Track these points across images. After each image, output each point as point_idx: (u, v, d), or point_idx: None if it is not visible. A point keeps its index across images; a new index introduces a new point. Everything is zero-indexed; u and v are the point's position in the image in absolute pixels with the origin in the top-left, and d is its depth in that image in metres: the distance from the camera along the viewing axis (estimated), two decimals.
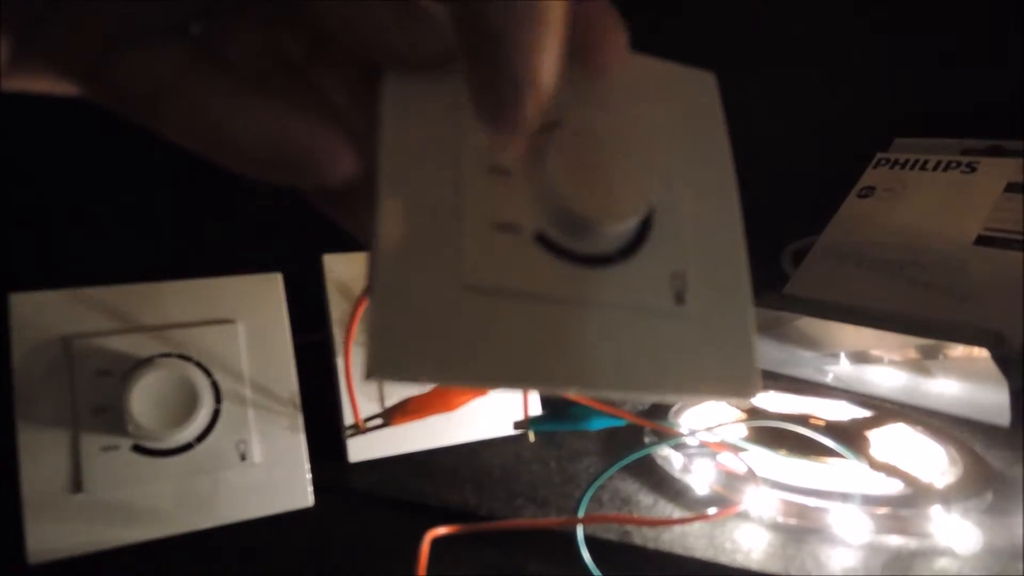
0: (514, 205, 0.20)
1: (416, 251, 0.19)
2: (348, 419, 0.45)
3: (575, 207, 0.20)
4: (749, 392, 0.21)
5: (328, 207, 0.22)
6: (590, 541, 0.37)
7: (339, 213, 0.22)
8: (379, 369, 0.17)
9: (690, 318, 0.21)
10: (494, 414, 0.49)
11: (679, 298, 0.21)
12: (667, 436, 0.46)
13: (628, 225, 0.21)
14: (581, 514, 0.38)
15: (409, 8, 0.20)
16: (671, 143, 0.23)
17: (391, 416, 0.44)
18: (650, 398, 0.20)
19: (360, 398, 0.45)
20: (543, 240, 0.20)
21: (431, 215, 0.19)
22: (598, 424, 0.45)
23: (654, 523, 0.39)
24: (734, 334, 0.22)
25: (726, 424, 0.45)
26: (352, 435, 0.44)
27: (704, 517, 0.39)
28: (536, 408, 0.49)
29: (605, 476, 0.43)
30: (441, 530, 0.37)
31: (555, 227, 0.20)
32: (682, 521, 0.40)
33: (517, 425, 0.44)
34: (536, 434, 0.48)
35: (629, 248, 0.21)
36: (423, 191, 0.19)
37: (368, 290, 0.18)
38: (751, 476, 0.41)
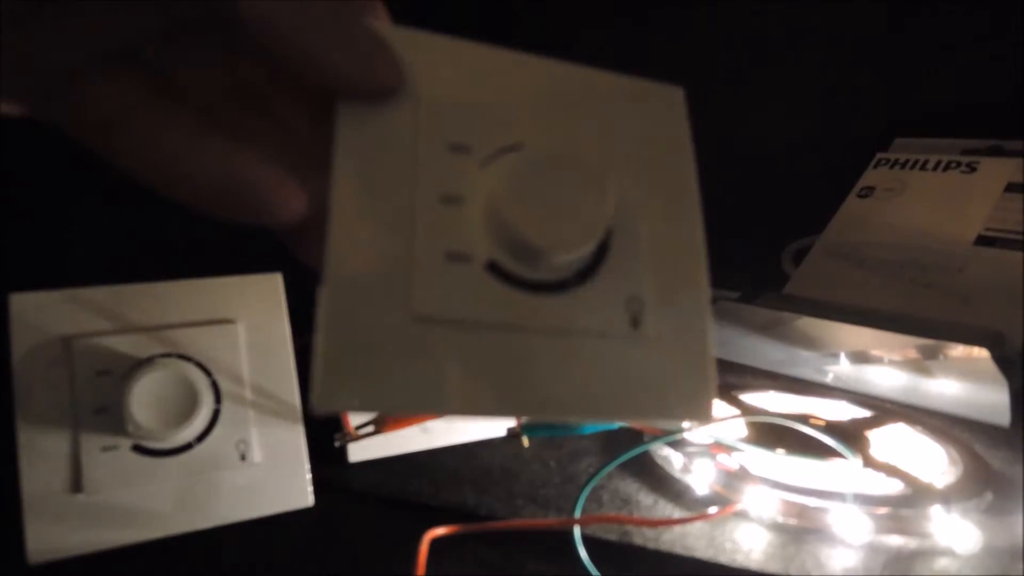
0: (466, 234, 0.20)
1: (365, 283, 0.19)
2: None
3: (525, 237, 0.19)
4: (703, 417, 0.21)
5: (285, 239, 0.22)
6: (590, 541, 0.37)
7: (296, 245, 0.22)
8: (324, 402, 0.18)
9: (647, 342, 0.21)
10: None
11: (635, 323, 0.21)
12: (665, 436, 0.46)
13: (580, 254, 0.20)
14: (578, 514, 0.38)
15: (358, 34, 0.19)
16: (634, 163, 0.23)
17: (382, 423, 0.44)
18: (605, 423, 0.20)
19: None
20: (495, 269, 0.20)
21: (382, 247, 0.19)
22: (592, 428, 0.45)
23: (651, 523, 0.39)
24: (691, 358, 0.22)
25: (724, 421, 0.45)
26: (342, 443, 0.44)
27: (701, 517, 0.39)
28: None
29: (599, 476, 0.42)
30: (440, 530, 0.37)
31: (507, 255, 0.20)
32: (679, 521, 0.40)
33: (511, 432, 0.44)
34: (531, 439, 0.48)
35: (584, 273, 0.21)
36: (374, 222, 0.19)
37: (316, 322, 0.18)
38: (748, 476, 0.41)
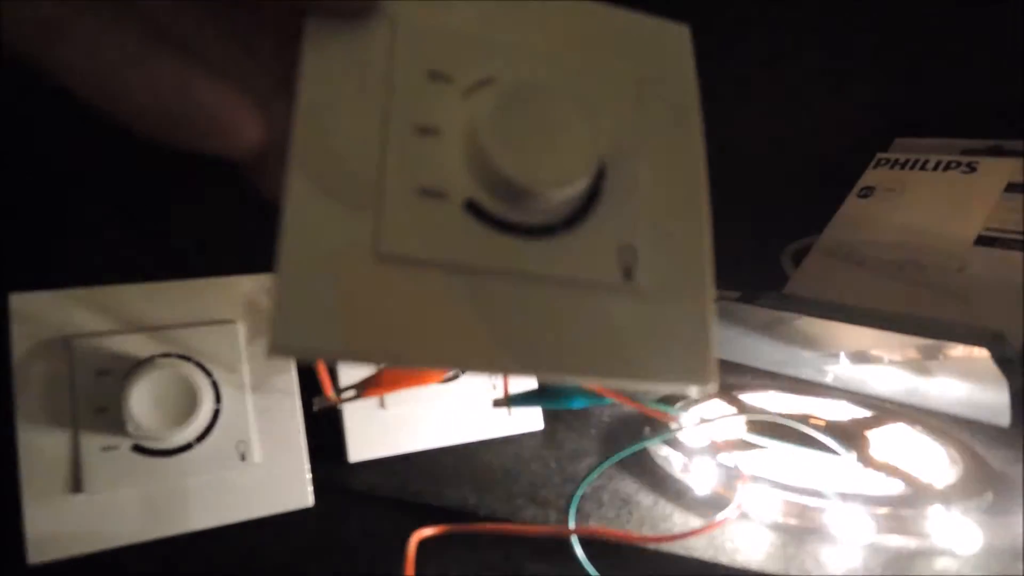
0: (443, 169, 0.18)
1: (328, 218, 0.17)
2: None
3: (507, 172, 0.18)
4: (703, 381, 0.19)
5: (243, 170, 0.20)
6: (591, 541, 0.37)
7: (256, 177, 0.20)
8: (280, 344, 0.16)
9: (640, 296, 0.19)
10: (494, 414, 0.48)
11: (627, 274, 0.19)
12: (661, 427, 0.46)
13: (568, 192, 0.19)
14: (572, 514, 0.38)
15: None
16: (630, 101, 0.21)
17: (365, 388, 0.42)
18: (593, 382, 0.18)
19: (344, 380, 0.43)
20: (474, 208, 0.18)
21: (348, 179, 0.18)
22: (580, 403, 0.43)
23: (642, 539, 0.39)
24: (689, 316, 0.20)
25: (720, 418, 0.45)
26: (321, 407, 0.41)
27: (689, 534, 0.39)
28: (519, 385, 0.47)
29: (589, 479, 0.42)
30: (428, 531, 0.36)
31: (487, 194, 0.18)
32: (664, 538, 0.40)
33: (496, 403, 0.42)
34: (514, 409, 0.46)
35: (572, 218, 0.19)
36: (341, 152, 0.18)
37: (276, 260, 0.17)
38: (748, 476, 0.41)
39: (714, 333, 0.20)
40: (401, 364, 0.17)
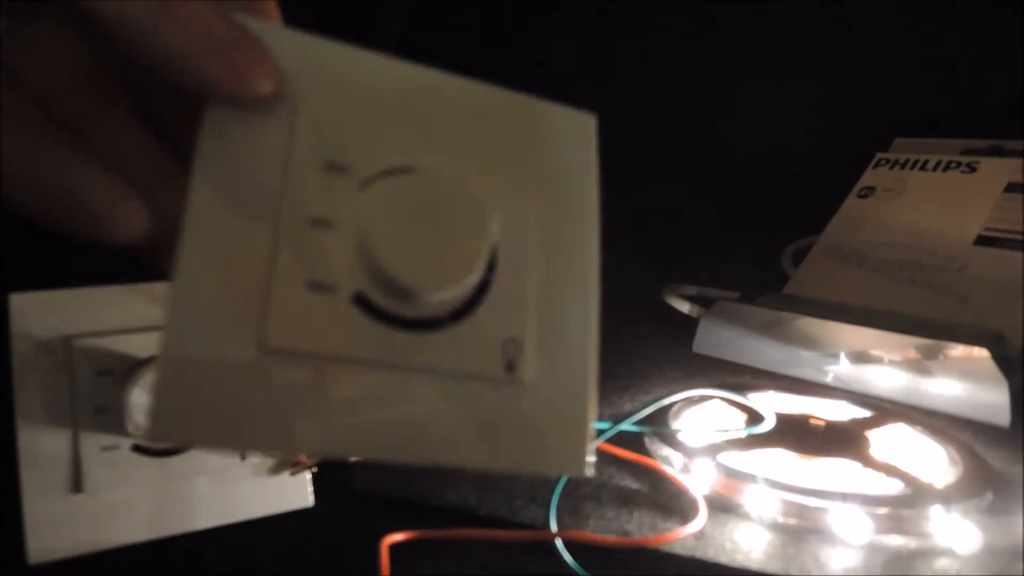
0: (333, 262, 0.18)
1: (214, 309, 0.17)
2: None
3: (392, 273, 0.18)
4: (578, 471, 0.20)
5: (134, 252, 0.20)
6: (591, 541, 0.37)
7: (148, 259, 0.20)
8: (158, 434, 0.16)
9: (521, 388, 0.20)
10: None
11: (510, 366, 0.20)
12: (667, 437, 0.46)
13: (451, 296, 0.19)
14: (552, 517, 0.38)
15: (224, 30, 0.17)
16: (532, 193, 0.21)
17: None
18: (478, 468, 0.19)
19: None
20: (362, 302, 0.18)
21: (237, 270, 0.17)
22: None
23: (618, 543, 0.39)
24: (569, 407, 0.20)
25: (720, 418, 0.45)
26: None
27: (668, 537, 0.39)
28: None
29: (562, 482, 0.42)
30: (398, 536, 0.36)
31: (375, 289, 0.18)
32: (643, 542, 0.40)
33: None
34: None
35: (461, 311, 0.19)
36: (231, 243, 0.18)
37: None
38: (748, 476, 0.41)
39: (591, 423, 0.20)
40: (284, 453, 0.17)
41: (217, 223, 0.18)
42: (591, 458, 0.20)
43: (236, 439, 0.17)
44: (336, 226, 0.18)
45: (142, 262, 0.20)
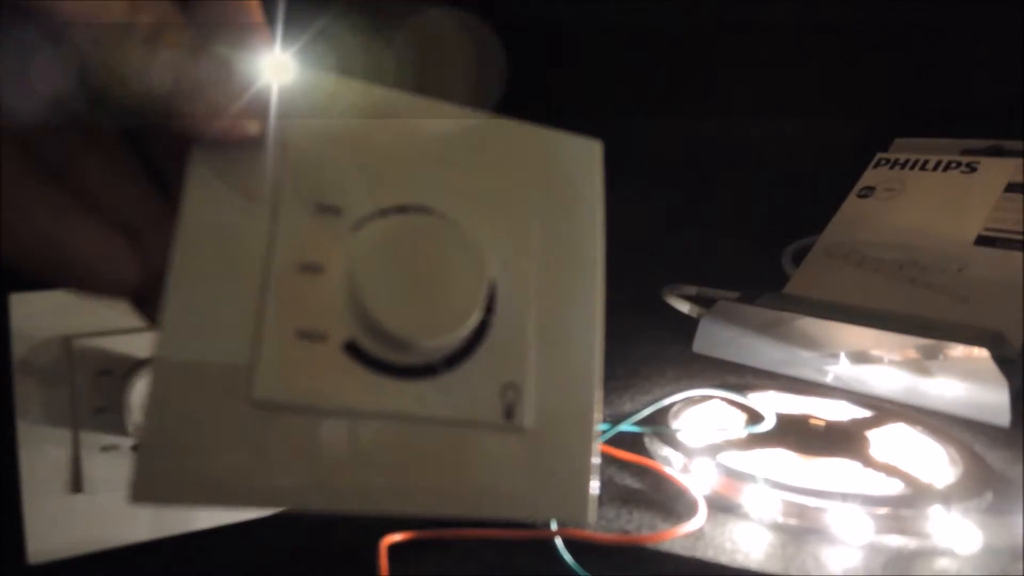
0: (324, 309, 0.17)
1: (201, 362, 0.17)
2: None
3: (384, 322, 0.17)
4: (580, 517, 0.19)
5: (129, 300, 0.19)
6: (590, 540, 0.37)
7: (136, 306, 0.20)
8: (141, 495, 0.16)
9: (521, 435, 0.19)
10: None
11: (508, 413, 0.19)
12: (667, 437, 0.46)
13: (444, 345, 0.18)
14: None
15: (208, 69, 0.16)
16: (533, 228, 0.20)
17: None
18: (478, 517, 0.18)
19: None
20: (354, 350, 0.18)
21: (224, 320, 0.17)
22: None
23: (621, 541, 0.39)
24: (570, 454, 0.20)
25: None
26: None
27: (667, 535, 0.39)
28: None
29: None
30: (397, 536, 0.36)
31: (367, 336, 0.18)
32: (649, 539, 0.40)
33: None
34: None
35: (456, 357, 0.19)
36: (218, 291, 0.17)
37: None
38: (747, 476, 0.41)
39: (594, 469, 0.20)
40: (272, 508, 0.17)
41: (203, 269, 0.17)
42: (593, 504, 0.20)
43: (223, 497, 0.17)
44: (327, 271, 0.18)
45: (136, 310, 0.19)
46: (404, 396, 0.18)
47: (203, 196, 0.17)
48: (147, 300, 0.19)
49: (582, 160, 0.21)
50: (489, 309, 0.19)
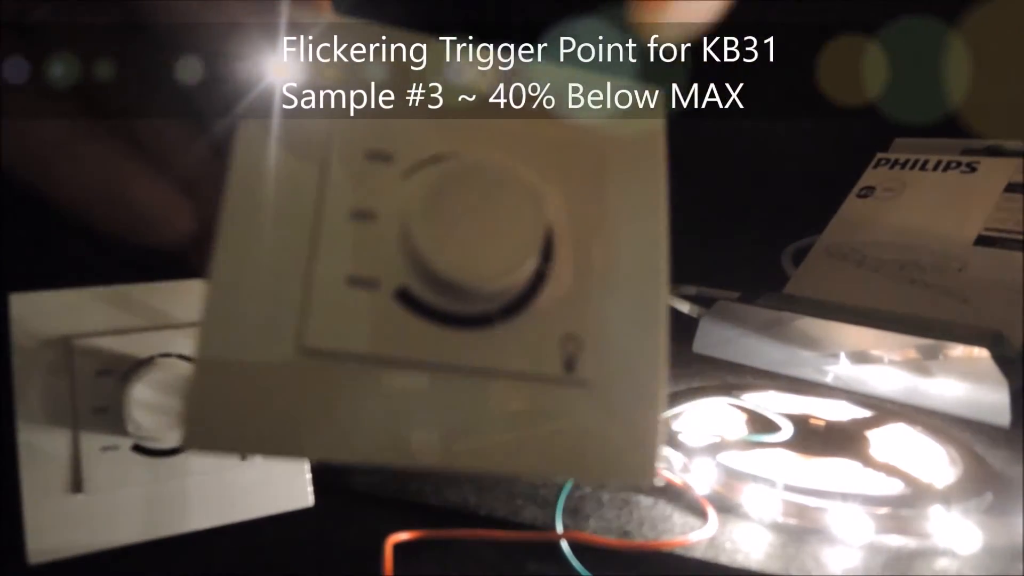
0: (375, 256, 0.17)
1: (251, 310, 0.16)
2: None
3: (436, 268, 0.17)
4: (645, 478, 0.19)
5: (182, 252, 0.20)
6: (590, 541, 0.37)
7: (191, 258, 0.20)
8: (193, 441, 0.16)
9: (582, 388, 0.18)
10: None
11: (569, 365, 0.18)
12: (667, 439, 0.46)
13: (504, 287, 0.18)
14: (559, 520, 0.38)
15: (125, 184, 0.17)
16: (592, 174, 0.20)
17: None
18: (534, 476, 0.17)
19: None
20: (406, 297, 0.17)
21: (275, 268, 0.17)
22: None
23: (628, 545, 0.39)
24: (635, 410, 0.19)
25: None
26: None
27: (671, 544, 0.39)
28: None
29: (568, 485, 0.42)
30: (403, 535, 0.36)
31: (420, 283, 0.17)
32: (651, 545, 0.40)
33: None
34: None
35: (513, 306, 0.18)
36: (269, 239, 0.17)
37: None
38: (748, 476, 0.41)
39: (661, 428, 0.19)
40: (324, 460, 0.17)
41: (254, 217, 0.17)
42: (659, 466, 0.19)
43: (271, 446, 0.16)
44: (378, 217, 0.17)
45: (190, 263, 0.20)
46: (458, 346, 0.17)
47: (253, 147, 0.17)
48: (198, 252, 0.19)
49: (645, 106, 0.21)
50: (547, 256, 0.18)
